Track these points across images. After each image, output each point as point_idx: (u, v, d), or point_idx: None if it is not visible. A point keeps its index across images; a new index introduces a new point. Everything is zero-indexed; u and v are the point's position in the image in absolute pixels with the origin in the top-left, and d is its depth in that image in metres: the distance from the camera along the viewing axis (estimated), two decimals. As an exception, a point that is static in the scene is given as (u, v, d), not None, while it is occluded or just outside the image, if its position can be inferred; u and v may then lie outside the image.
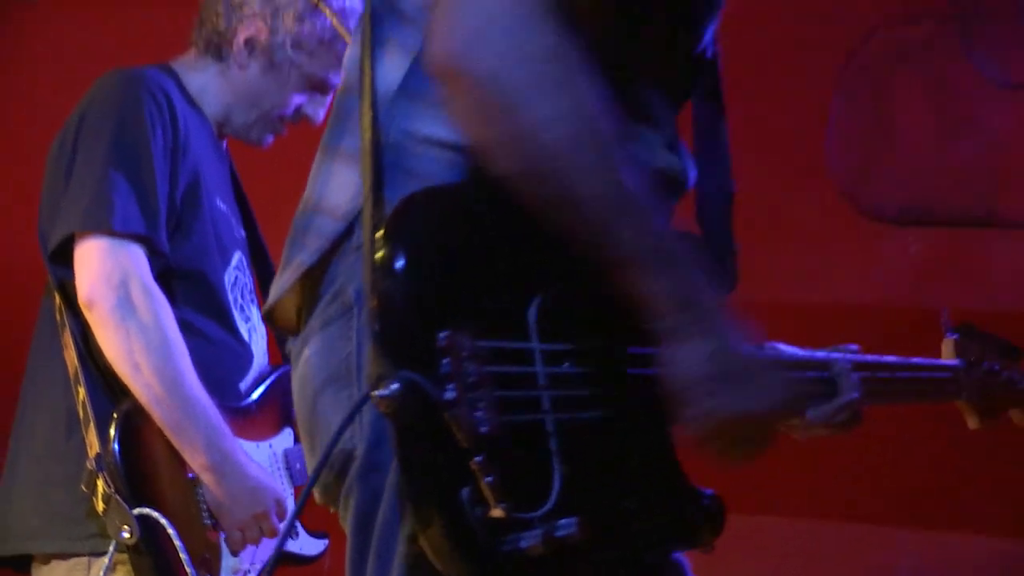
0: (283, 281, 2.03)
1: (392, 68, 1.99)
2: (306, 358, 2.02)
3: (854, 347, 2.43)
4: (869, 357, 2.45)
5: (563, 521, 1.79)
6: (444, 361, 1.76)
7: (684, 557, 2.10)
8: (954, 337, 2.70)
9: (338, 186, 2.02)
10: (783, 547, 4.72)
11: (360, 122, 1.98)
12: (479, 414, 1.76)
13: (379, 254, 1.80)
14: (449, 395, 1.75)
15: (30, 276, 3.51)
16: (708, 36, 2.15)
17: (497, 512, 1.75)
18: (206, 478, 3.20)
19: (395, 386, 1.74)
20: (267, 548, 3.35)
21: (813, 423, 2.34)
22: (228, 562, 3.26)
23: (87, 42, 5.11)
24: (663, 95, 2.09)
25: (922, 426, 4.15)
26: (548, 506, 1.81)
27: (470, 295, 1.83)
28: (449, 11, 1.85)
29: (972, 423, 2.73)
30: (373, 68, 1.98)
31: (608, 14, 1.98)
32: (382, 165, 1.94)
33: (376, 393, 1.76)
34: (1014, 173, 4.59)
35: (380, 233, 1.81)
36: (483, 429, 1.76)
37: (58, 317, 3.33)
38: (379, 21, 2.01)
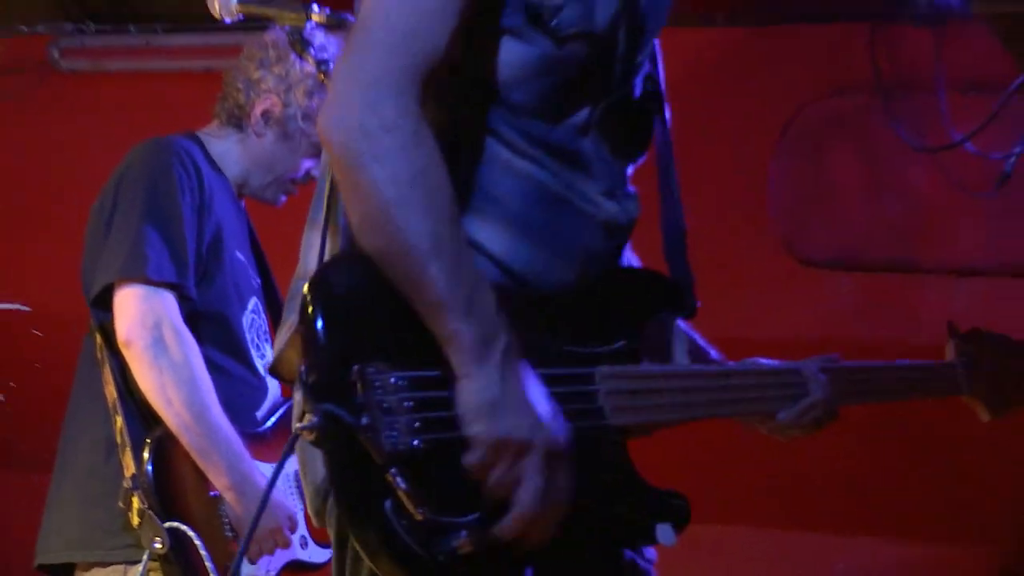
0: (280, 339, 2.06)
1: None
2: (296, 401, 2.06)
3: (836, 356, 2.39)
4: (848, 362, 2.40)
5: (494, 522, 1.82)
6: (357, 393, 1.80)
7: (651, 566, 2.10)
8: (954, 340, 2.63)
9: (316, 253, 2.07)
10: (739, 555, 4.73)
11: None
12: (394, 434, 1.79)
13: (305, 309, 1.85)
14: (364, 421, 1.78)
15: (73, 319, 3.52)
16: (637, 84, 2.16)
17: (418, 517, 1.77)
18: (228, 496, 3.21)
19: (315, 419, 1.79)
20: (280, 557, 3.36)
21: (785, 424, 2.30)
22: (247, 570, 3.26)
23: (125, 112, 5.11)
24: (600, 147, 2.09)
25: (878, 437, 4.18)
26: (482, 510, 1.83)
27: (383, 336, 1.86)
28: (331, 83, 1.93)
29: (983, 416, 2.65)
30: None
31: (520, 83, 2.01)
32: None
33: (298, 426, 1.81)
34: (931, 225, 4.61)
35: (305, 289, 1.86)
36: (399, 447, 1.79)
37: (98, 355, 3.34)
38: None
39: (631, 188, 2.17)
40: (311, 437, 1.80)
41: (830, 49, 4.65)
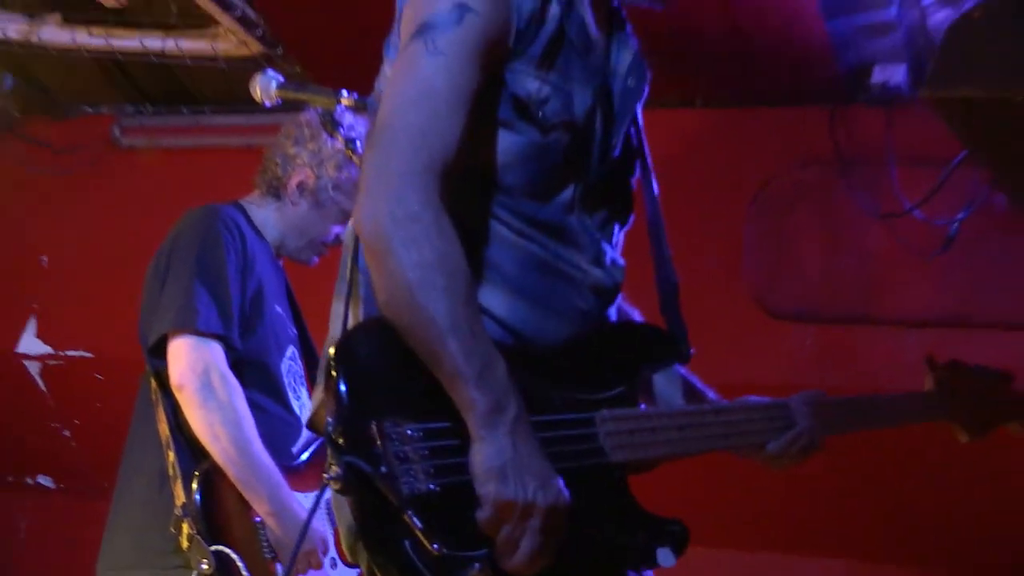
0: (315, 398, 2.07)
1: None
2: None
3: (821, 392, 2.39)
4: (831, 397, 2.39)
5: None
6: (376, 445, 1.81)
7: None
8: (933, 372, 2.60)
9: (341, 322, 2.08)
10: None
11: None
12: (410, 480, 1.80)
13: (329, 371, 1.87)
14: (383, 470, 1.79)
15: (131, 364, 3.52)
16: (617, 161, 2.18)
17: (434, 553, 1.78)
18: (269, 522, 3.22)
19: (339, 471, 1.80)
20: (312, 576, 3.35)
21: (775, 454, 2.30)
22: (284, 588, 3.25)
23: (177, 182, 5.15)
24: (584, 220, 2.12)
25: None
26: (492, 545, 1.84)
27: (399, 394, 1.87)
28: (362, 178, 1.94)
29: (962, 438, 2.63)
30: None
31: (511, 168, 2.03)
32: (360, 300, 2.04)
33: (325, 476, 1.82)
34: (884, 282, 4.61)
35: (330, 353, 1.88)
36: (416, 491, 1.80)
37: (153, 397, 3.36)
38: None
39: (619, 257, 2.20)
40: (337, 487, 1.82)
41: (795, 127, 4.68)
